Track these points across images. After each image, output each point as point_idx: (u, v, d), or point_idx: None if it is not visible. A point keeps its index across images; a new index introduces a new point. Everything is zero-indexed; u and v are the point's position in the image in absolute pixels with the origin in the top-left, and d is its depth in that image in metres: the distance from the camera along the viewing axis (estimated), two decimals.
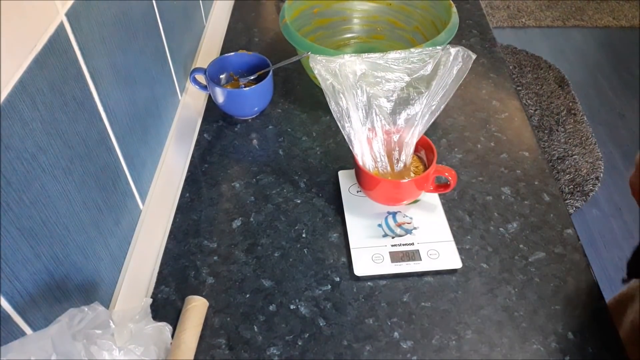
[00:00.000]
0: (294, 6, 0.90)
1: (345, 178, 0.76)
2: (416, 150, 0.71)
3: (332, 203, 0.74)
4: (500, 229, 0.70)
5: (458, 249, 0.67)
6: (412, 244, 0.67)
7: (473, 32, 1.05)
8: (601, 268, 1.70)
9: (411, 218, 0.70)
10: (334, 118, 0.66)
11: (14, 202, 0.42)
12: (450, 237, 0.68)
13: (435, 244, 0.67)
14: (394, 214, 0.71)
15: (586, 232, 1.80)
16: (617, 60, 2.52)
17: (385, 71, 0.67)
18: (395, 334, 0.60)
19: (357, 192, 0.74)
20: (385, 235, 0.68)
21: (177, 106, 0.86)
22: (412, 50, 0.67)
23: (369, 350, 0.59)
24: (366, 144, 0.68)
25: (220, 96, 0.83)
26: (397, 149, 0.69)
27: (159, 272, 0.66)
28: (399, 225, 0.69)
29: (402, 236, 0.68)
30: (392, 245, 0.67)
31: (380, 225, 0.69)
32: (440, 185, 0.71)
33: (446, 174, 0.68)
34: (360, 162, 0.68)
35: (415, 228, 0.69)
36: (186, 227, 0.71)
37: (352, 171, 0.76)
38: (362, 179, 0.70)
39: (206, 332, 0.60)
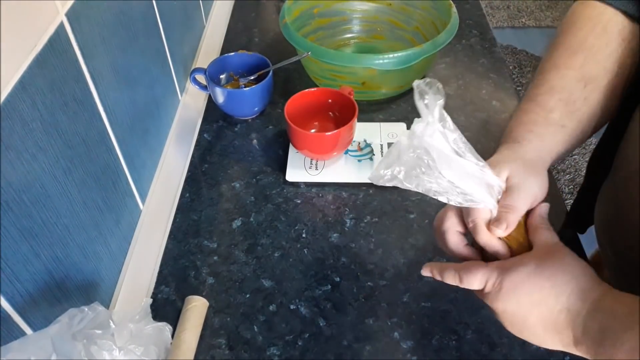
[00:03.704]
0: (294, 6, 0.90)
1: None
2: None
3: (332, 203, 0.74)
4: None
5: None
6: None
7: (473, 32, 1.05)
8: None
9: None
10: None
11: (14, 202, 0.42)
12: None
13: None
14: None
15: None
16: None
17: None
18: (395, 334, 0.60)
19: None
20: None
21: (177, 106, 0.86)
22: None
23: (369, 350, 0.58)
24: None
25: (220, 96, 0.83)
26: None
27: (159, 272, 0.66)
28: None
29: None
30: None
31: None
32: None
33: None
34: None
35: None
36: (186, 227, 0.71)
37: None
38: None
39: (206, 332, 0.60)
